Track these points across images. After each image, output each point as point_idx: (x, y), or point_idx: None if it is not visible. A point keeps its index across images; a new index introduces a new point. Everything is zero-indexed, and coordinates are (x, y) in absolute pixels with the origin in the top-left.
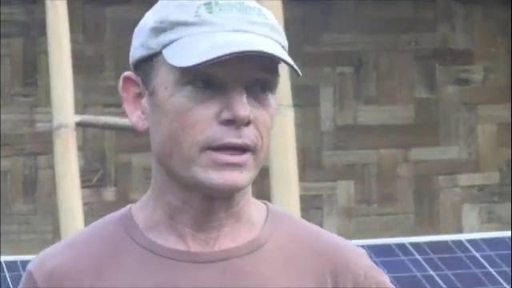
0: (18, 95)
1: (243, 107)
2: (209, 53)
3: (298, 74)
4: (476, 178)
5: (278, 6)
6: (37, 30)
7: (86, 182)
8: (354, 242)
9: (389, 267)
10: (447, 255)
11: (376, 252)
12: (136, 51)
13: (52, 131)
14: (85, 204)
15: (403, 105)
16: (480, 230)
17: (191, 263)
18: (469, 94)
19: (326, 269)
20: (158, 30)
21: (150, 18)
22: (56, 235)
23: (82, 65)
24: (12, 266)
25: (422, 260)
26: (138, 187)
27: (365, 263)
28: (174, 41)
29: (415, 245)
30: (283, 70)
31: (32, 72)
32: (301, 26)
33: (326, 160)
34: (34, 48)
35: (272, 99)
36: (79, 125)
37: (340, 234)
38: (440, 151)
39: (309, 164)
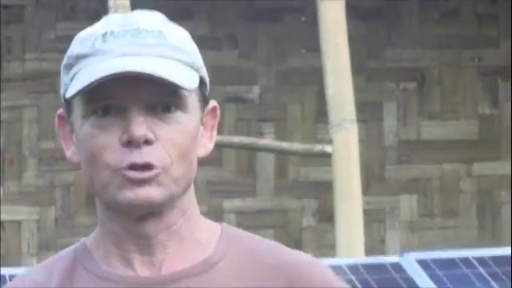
0: None
1: (137, 127)
2: (86, 81)
3: (183, 88)
4: None
5: (342, 21)
6: None
7: None
8: (417, 254)
9: (452, 281)
10: (511, 269)
11: (439, 266)
12: (60, 89)
13: None
14: None
15: (466, 120)
16: None
17: None
18: None
19: (280, 284)
20: (68, 66)
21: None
22: None
23: None
24: None
25: (485, 273)
26: (202, 200)
27: (323, 275)
28: (76, 74)
29: (479, 258)
30: (347, 86)
31: None
32: (364, 41)
33: (389, 174)
34: None
35: (183, 117)
36: None
37: (403, 247)
38: (502, 166)
39: (372, 178)
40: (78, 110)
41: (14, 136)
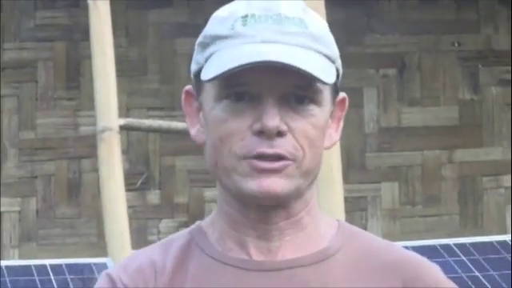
0: (62, 99)
1: (271, 118)
2: (226, 65)
3: (324, 83)
4: None
5: (321, 7)
6: (79, 33)
7: (130, 185)
8: (399, 243)
9: None
10: (492, 256)
11: (421, 253)
12: (192, 66)
13: (96, 135)
14: (129, 207)
15: (447, 106)
16: None
17: (256, 271)
18: None
19: (395, 282)
20: (203, 45)
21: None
22: (100, 238)
23: (125, 68)
24: (57, 269)
25: (467, 261)
26: (182, 190)
27: (437, 276)
28: (212, 54)
29: (460, 246)
30: None
31: (75, 76)
32: (344, 27)
33: (369, 162)
34: (76, 52)
35: (316, 110)
36: (123, 128)
37: (384, 235)
38: (484, 152)
39: (353, 166)
40: (210, 91)
41: None
